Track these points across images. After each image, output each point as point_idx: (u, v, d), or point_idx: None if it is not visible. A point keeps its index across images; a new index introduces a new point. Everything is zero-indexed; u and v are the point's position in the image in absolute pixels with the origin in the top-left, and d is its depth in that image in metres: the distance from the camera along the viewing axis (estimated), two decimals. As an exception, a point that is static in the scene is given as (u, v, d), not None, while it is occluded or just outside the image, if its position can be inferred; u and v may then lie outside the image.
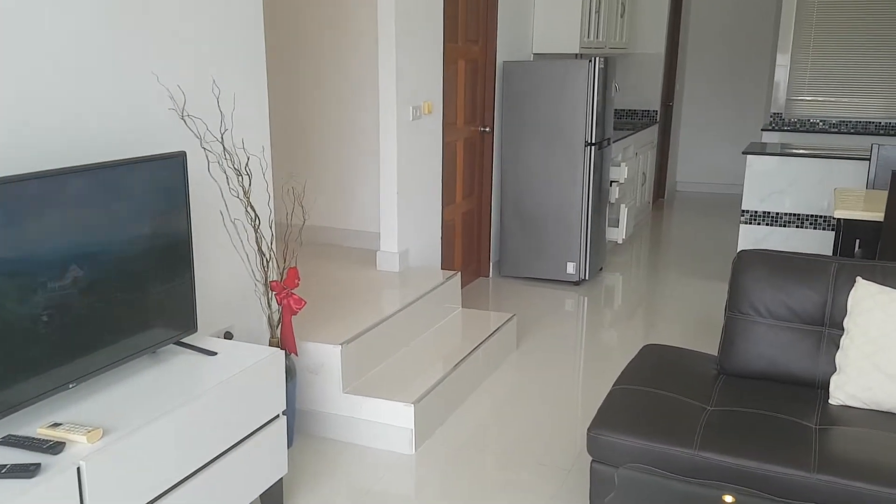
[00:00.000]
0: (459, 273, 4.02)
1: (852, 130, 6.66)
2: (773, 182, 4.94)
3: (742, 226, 5.11)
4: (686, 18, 8.27)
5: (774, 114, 6.94)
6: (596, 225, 5.14)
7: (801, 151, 4.94)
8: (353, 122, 4.40)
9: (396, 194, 3.89)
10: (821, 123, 6.87)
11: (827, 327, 2.34)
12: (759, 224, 5.04)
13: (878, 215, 3.41)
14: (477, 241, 5.18)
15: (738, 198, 8.02)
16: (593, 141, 4.91)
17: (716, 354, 2.64)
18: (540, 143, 5.02)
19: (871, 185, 4.21)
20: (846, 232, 3.50)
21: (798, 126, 6.89)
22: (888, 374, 2.09)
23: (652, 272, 5.54)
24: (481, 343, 3.57)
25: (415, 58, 3.91)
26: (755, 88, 8.35)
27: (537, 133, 5.00)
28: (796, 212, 4.92)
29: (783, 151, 4.96)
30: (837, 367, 2.23)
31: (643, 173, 6.97)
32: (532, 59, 5.58)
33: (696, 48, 8.49)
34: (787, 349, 2.39)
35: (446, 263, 4.67)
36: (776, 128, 6.79)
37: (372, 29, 4.19)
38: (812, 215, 4.89)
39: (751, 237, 5.09)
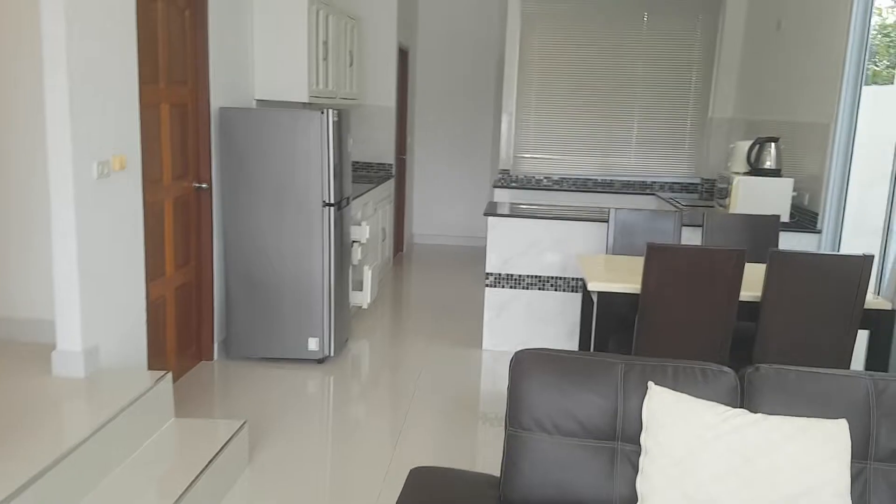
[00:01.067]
0: (170, 374, 3.19)
1: (573, 187, 6.91)
2: (514, 244, 4.79)
3: (487, 289, 4.88)
4: (413, 72, 8.18)
5: (503, 170, 7.00)
6: (339, 292, 4.58)
7: (541, 213, 4.86)
8: (21, 185, 3.39)
9: (77, 275, 2.98)
10: (545, 180, 7.05)
11: (619, 442, 2.00)
12: (503, 287, 4.85)
13: (632, 287, 3.28)
14: (196, 319, 4.35)
15: (475, 251, 8.02)
16: (332, 201, 4.37)
17: (494, 475, 2.19)
18: (270, 203, 4.36)
19: (611, 249, 4.17)
20: (601, 305, 3.33)
21: (525, 183, 7.01)
22: (701, 503, 1.77)
23: (401, 340, 5.11)
24: (204, 469, 2.79)
25: (98, 102, 3.07)
26: (484, 144, 8.48)
27: (266, 191, 4.35)
28: (538, 273, 4.81)
29: (524, 213, 4.84)
30: (639, 495, 1.87)
31: (383, 229, 6.60)
32: (255, 105, 4.93)
33: (424, 103, 8.43)
34: (577, 471, 2.00)
35: (155, 353, 3.78)
36: (504, 184, 6.83)
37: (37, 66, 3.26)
38: (553, 277, 4.81)
39: (496, 301, 4.88)
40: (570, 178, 7.04)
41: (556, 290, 4.82)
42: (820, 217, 4.50)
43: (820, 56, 4.69)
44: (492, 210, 4.87)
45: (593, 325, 3.36)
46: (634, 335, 3.23)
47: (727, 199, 4.79)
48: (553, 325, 4.85)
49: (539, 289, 4.83)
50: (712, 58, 6.68)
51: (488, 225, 4.82)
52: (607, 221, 4.20)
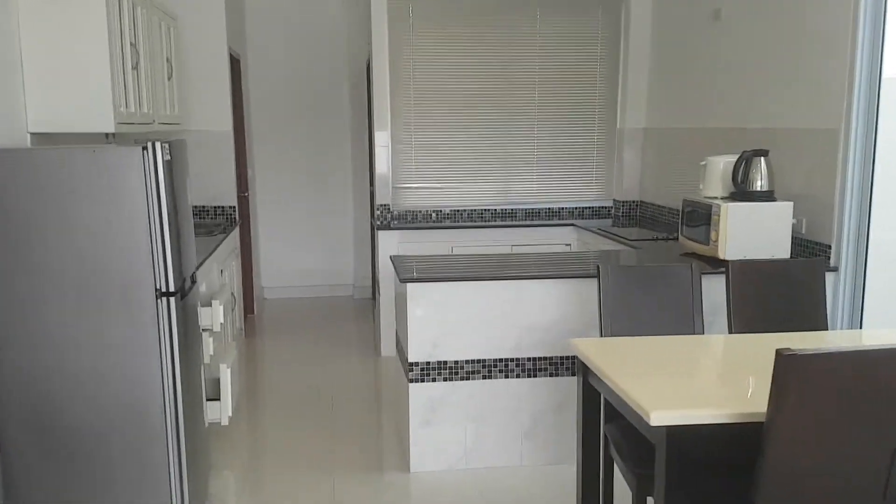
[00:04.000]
0: None
1: (469, 221, 5.62)
2: (446, 318, 3.39)
3: (412, 386, 3.43)
4: (246, 87, 6.53)
5: (382, 205, 5.55)
6: (192, 425, 2.92)
7: (481, 269, 3.49)
8: None
9: None
10: (435, 215, 5.70)
11: None
12: (433, 380, 3.42)
13: (721, 412, 1.98)
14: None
15: (340, 302, 6.48)
16: (171, 288, 2.73)
17: None
18: (69, 298, 2.65)
19: (607, 327, 2.87)
20: (672, 446, 2.01)
21: (411, 220, 5.62)
22: None
23: (286, 470, 3.50)
24: None
25: None
26: (343, 172, 6.97)
27: (60, 279, 2.63)
28: (482, 357, 3.44)
29: (456, 271, 3.45)
30: None
31: (232, 294, 4.91)
32: (30, 144, 3.15)
33: (263, 125, 6.79)
34: None
35: None
36: (386, 224, 5.39)
37: None
38: (504, 360, 3.45)
39: (424, 400, 3.44)
40: (465, 211, 5.74)
41: (506, 376, 3.46)
42: (834, 250, 3.50)
43: (811, 43, 3.71)
44: (407, 272, 3.43)
45: (663, 474, 2.03)
46: (758, 489, 1.94)
47: (711, 233, 3.69)
48: (506, 425, 3.49)
49: (484, 377, 3.46)
50: (617, 58, 5.67)
51: (408, 296, 3.37)
52: (597, 279, 2.90)
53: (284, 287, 6.99)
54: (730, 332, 2.93)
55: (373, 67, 5.44)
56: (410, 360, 3.41)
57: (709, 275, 3.36)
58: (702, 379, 2.25)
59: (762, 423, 1.92)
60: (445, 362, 3.42)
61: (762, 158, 3.71)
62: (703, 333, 2.90)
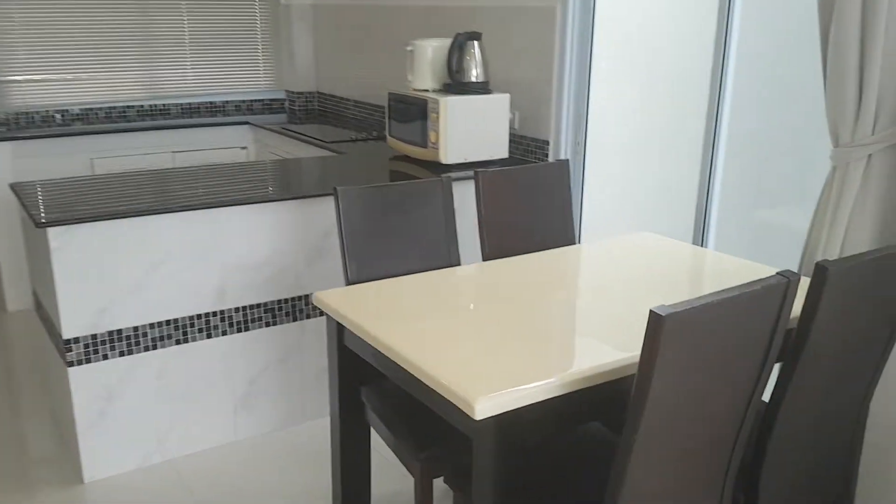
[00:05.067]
0: None
1: (107, 123, 4.39)
2: (117, 273, 2.41)
3: (72, 370, 2.43)
4: None
5: (-24, 106, 4.03)
6: None
7: (158, 203, 2.52)
8: None
9: None
10: (59, 116, 4.32)
11: None
12: (105, 357, 2.46)
13: (551, 382, 1.50)
14: None
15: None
16: None
17: None
18: None
19: (354, 273, 2.21)
20: (502, 439, 1.49)
21: (26, 125, 4.18)
22: None
23: None
24: None
25: None
26: None
27: None
28: (174, 316, 2.55)
29: (124, 207, 2.44)
30: None
31: None
32: None
33: None
34: None
35: None
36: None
37: None
38: (205, 314, 2.61)
39: (95, 388, 2.47)
40: (101, 109, 4.45)
41: (209, 336, 2.64)
42: (552, 147, 3.24)
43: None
44: (46, 210, 2.34)
45: (491, 476, 1.51)
46: (614, 481, 1.51)
47: (430, 133, 3.17)
48: (212, 397, 2.70)
49: (178, 342, 2.59)
50: (278, -81, 4.72)
51: (51, 247, 2.31)
52: (336, 207, 2.20)
53: None
54: (483, 256, 2.49)
55: None
56: (66, 335, 2.39)
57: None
58: (501, 335, 1.75)
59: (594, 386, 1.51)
60: (120, 332, 2.47)
61: (476, 43, 3.25)
62: (459, 263, 2.41)
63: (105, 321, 2.43)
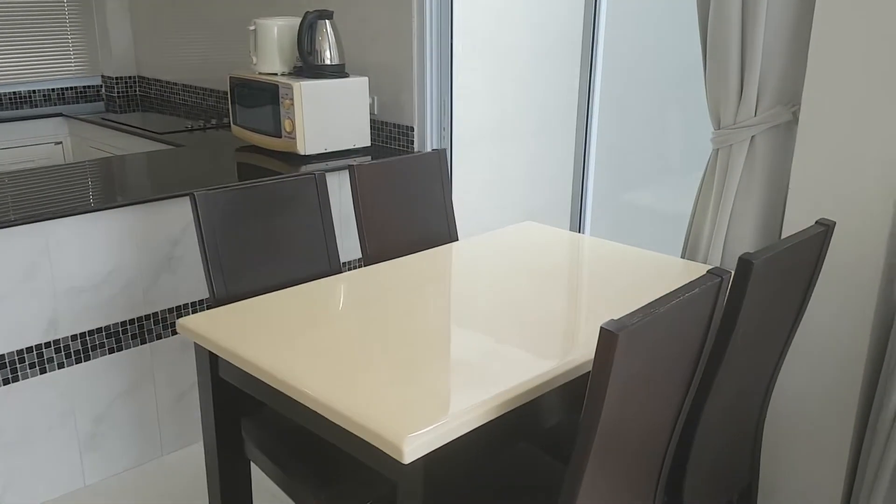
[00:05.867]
0: None
1: None
2: None
3: None
4: None
5: None
6: None
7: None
8: None
9: None
10: None
11: None
12: None
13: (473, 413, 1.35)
14: None
15: None
16: None
17: None
18: None
19: (220, 291, 1.92)
20: (430, 482, 1.32)
21: None
22: None
23: None
24: None
25: None
26: None
27: None
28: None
29: None
30: None
31: None
32: None
33: None
34: None
35: None
36: None
37: None
38: (31, 348, 2.20)
39: None
40: None
41: (42, 371, 2.23)
42: (417, 133, 3.07)
43: None
44: None
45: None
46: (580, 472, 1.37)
47: (285, 122, 2.87)
48: (53, 441, 2.30)
49: (6, 382, 2.17)
50: None
51: None
52: (194, 216, 1.89)
53: None
54: (365, 260, 2.28)
55: None
56: None
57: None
58: (408, 355, 1.57)
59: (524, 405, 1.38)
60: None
61: (328, 22, 3.00)
62: (340, 268, 2.19)
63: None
